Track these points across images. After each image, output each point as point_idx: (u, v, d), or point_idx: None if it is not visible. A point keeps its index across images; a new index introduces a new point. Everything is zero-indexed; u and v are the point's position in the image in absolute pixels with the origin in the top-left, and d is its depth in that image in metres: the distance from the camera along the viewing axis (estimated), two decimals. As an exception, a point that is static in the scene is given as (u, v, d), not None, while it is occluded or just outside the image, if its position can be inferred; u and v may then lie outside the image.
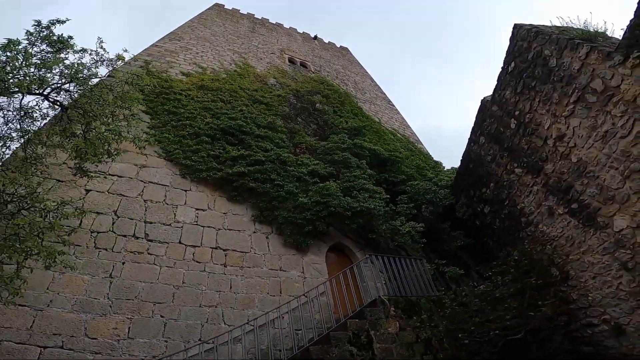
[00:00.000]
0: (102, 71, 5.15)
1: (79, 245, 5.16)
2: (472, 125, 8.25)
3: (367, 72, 19.39)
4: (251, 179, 7.30)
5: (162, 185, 6.72)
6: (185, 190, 6.89)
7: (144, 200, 6.31)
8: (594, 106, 4.45)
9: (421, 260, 6.49)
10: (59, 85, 4.50)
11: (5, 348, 3.94)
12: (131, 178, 6.51)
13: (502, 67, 7.07)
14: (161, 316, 4.94)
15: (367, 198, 7.58)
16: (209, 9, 16.74)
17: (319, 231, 7.04)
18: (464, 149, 8.28)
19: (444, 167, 11.24)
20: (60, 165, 6.01)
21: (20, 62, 4.12)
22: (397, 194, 8.77)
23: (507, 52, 6.91)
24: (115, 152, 4.90)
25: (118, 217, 5.84)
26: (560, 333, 5.18)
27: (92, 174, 5.47)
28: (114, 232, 5.59)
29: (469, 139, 8.42)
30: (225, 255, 6.24)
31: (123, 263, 5.28)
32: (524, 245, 5.85)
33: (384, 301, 5.30)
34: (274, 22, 19.27)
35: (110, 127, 4.74)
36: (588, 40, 4.71)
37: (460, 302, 5.20)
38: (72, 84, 4.53)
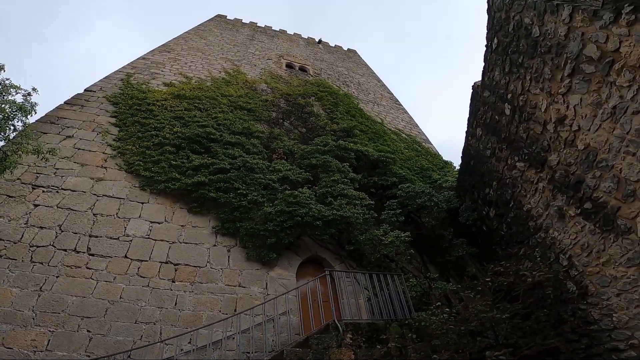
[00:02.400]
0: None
1: (14, 259, 5.53)
2: (468, 116, 8.08)
3: (373, 73, 20.11)
4: (212, 188, 7.54)
5: (117, 198, 7.14)
6: (142, 203, 7.24)
7: (94, 214, 6.70)
8: (593, 78, 4.06)
9: (399, 275, 6.14)
10: None
11: None
12: (84, 192, 7.00)
13: (485, 46, 7.01)
14: (87, 331, 5.03)
15: (344, 205, 7.49)
16: (209, 20, 18.67)
17: (284, 243, 6.99)
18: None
19: (454, 168, 10.93)
20: (14, 180, 6.66)
21: None
22: (389, 198, 8.59)
23: (487, 27, 6.88)
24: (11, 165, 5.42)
25: (62, 231, 6.23)
26: (579, 358, 4.63)
27: (43, 188, 5.99)
28: (54, 247, 5.94)
29: (466, 132, 8.24)
30: (176, 270, 6.33)
31: (57, 277, 5.54)
32: (534, 254, 5.38)
33: (337, 326, 4.86)
34: (277, 29, 20.92)
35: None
36: (568, 0, 4.56)
37: (443, 323, 4.65)
38: None
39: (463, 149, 8.33)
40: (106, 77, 10.37)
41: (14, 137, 5.87)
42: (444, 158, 12.35)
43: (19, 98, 5.88)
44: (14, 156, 5.61)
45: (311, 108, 11.94)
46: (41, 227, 6.16)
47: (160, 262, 6.37)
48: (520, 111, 5.73)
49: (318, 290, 6.23)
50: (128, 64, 11.57)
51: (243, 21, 20.35)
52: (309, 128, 11.06)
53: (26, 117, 5.96)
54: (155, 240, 6.69)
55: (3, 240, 5.75)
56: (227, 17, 20.03)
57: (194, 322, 5.64)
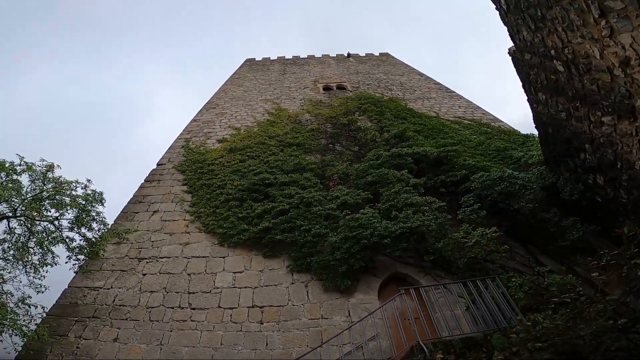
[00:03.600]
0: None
1: (136, 320, 7.09)
2: (521, 85, 8.00)
3: (414, 69, 20.41)
4: (278, 231, 8.58)
5: (202, 257, 8.59)
6: (223, 257, 8.57)
7: (188, 274, 8.18)
8: (629, 12, 3.83)
9: (493, 278, 6.07)
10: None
11: None
12: (177, 257, 8.60)
13: (495, 8, 7.05)
14: (200, 377, 6.16)
15: (411, 215, 7.71)
16: (240, 66, 21.14)
17: (356, 269, 7.50)
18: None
19: (537, 140, 10.34)
20: (123, 257, 8.55)
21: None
22: (464, 194, 8.49)
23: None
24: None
25: (167, 292, 7.75)
26: None
27: (146, 260, 7.73)
28: (164, 306, 7.43)
29: (527, 100, 8.05)
30: (262, 312, 7.30)
31: (170, 331, 6.90)
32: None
33: (422, 348, 4.80)
34: (305, 56, 22.66)
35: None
36: None
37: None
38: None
39: (534, 119, 8.07)
40: (170, 147, 12.71)
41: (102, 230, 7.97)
42: (521, 132, 11.82)
43: (79, 191, 7.79)
44: (101, 243, 7.58)
45: (357, 124, 12.59)
46: (152, 292, 7.76)
47: (247, 307, 7.42)
48: (574, 64, 5.51)
49: (408, 309, 6.07)
50: (184, 130, 14.03)
51: (271, 58, 22.56)
52: (360, 145, 11.60)
53: (102, 205, 7.84)
54: (240, 288, 7.83)
55: (126, 305, 7.41)
56: (256, 59, 22.45)
57: (286, 358, 6.41)
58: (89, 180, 7.98)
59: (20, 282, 6.78)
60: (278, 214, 8.89)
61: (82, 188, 7.86)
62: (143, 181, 11.09)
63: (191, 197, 10.27)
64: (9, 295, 6.30)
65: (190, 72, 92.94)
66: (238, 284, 7.93)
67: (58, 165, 7.75)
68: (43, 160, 7.59)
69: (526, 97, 7.96)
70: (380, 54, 23.45)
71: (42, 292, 6.88)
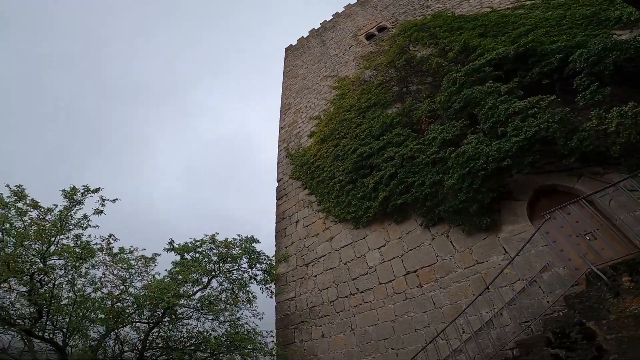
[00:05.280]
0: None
1: (328, 315, 8.85)
2: None
3: None
4: (395, 196, 8.76)
5: (347, 245, 9.69)
6: (364, 238, 9.45)
7: (344, 264, 9.45)
8: None
9: None
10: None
11: None
12: (330, 252, 9.99)
13: None
14: (392, 349, 7.31)
15: (520, 124, 6.78)
16: (285, 58, 21.12)
17: (488, 203, 7.05)
18: None
19: None
20: (295, 268, 10.53)
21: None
22: (571, 78, 6.99)
23: None
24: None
25: (337, 284, 9.23)
26: None
27: (311, 264, 9.45)
28: (340, 297, 8.94)
29: None
30: (417, 277, 7.87)
31: (354, 316, 8.34)
32: None
33: (599, 274, 4.36)
34: (331, 17, 21.08)
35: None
36: None
37: None
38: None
39: None
40: (278, 162, 14.27)
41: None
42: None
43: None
44: (274, 268, 9.65)
45: (416, 58, 11.40)
46: (326, 288, 9.41)
47: (402, 275, 8.12)
48: None
49: (571, 224, 5.37)
50: (279, 140, 15.30)
51: (304, 36, 21.50)
52: (431, 75, 10.49)
53: (258, 242, 9.94)
54: (389, 260, 8.56)
55: (316, 306, 9.29)
56: (292, 45, 21.83)
57: (457, 312, 6.81)
58: (239, 236, 10.16)
59: (246, 316, 9.43)
60: (388, 180, 9.02)
61: (238, 240, 10.03)
62: (276, 200, 12.96)
63: (314, 197, 11.43)
64: (244, 328, 8.89)
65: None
66: (386, 258, 8.67)
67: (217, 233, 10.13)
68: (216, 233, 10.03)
69: None
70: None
71: (261, 319, 9.40)
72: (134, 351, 8.08)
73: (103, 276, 9.29)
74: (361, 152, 10.20)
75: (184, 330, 8.53)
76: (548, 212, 5.55)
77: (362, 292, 8.59)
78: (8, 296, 8.16)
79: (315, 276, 9.88)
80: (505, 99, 7.34)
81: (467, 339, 6.29)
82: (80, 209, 8.19)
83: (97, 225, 8.49)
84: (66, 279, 8.30)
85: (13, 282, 7.78)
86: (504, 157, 6.68)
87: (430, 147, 8.50)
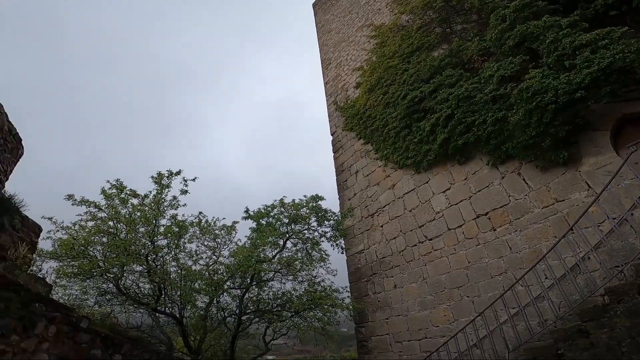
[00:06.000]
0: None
1: (398, 265, 8.94)
2: None
3: None
4: (455, 136, 7.94)
5: (410, 191, 9.30)
6: (426, 182, 8.94)
7: (409, 211, 9.17)
8: None
9: None
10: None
11: (399, 346, 8.16)
12: (393, 200, 9.74)
13: None
14: (467, 297, 7.16)
15: (590, 56, 5.62)
16: (315, 15, 19.22)
17: (562, 136, 6.05)
18: None
19: None
20: (361, 220, 10.60)
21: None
22: None
23: None
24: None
25: (404, 233, 9.12)
26: None
27: (376, 214, 9.46)
28: (409, 246, 8.86)
29: None
30: (489, 219, 7.29)
31: (425, 265, 8.27)
32: None
33: None
34: None
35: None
36: None
37: None
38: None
39: None
40: (329, 115, 13.77)
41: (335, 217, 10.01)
42: None
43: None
44: (341, 222, 9.64)
45: None
46: (394, 238, 9.38)
47: (472, 219, 7.59)
48: None
49: None
50: (326, 94, 14.59)
51: None
52: (476, 12, 8.80)
53: (323, 199, 9.79)
54: (456, 204, 8.03)
55: (386, 257, 9.42)
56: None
57: (537, 256, 6.19)
58: (305, 196, 10.45)
59: (321, 273, 10.06)
60: (446, 122, 8.17)
61: (305, 200, 10.30)
62: (333, 153, 12.77)
63: (371, 146, 10.97)
64: (322, 286, 9.56)
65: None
66: (452, 201, 8.14)
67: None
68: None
69: None
70: None
71: (335, 275, 9.94)
72: (232, 316, 9.32)
73: (197, 249, 10.48)
74: (412, 96, 9.31)
75: (270, 293, 9.46)
76: (633, 144, 4.70)
77: (430, 239, 8.36)
78: (131, 277, 9.77)
79: (382, 226, 9.86)
80: (568, 32, 6.04)
81: (549, 286, 5.78)
82: (169, 191, 8.94)
83: (185, 204, 9.21)
84: (170, 255, 9.55)
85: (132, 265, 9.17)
86: (576, 89, 5.60)
87: (488, 85, 7.39)
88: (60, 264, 8.01)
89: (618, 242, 5.20)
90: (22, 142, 6.50)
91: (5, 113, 5.91)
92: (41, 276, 7.16)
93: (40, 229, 6.50)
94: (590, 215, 5.36)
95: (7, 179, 6.28)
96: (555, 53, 6.04)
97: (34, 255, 6.67)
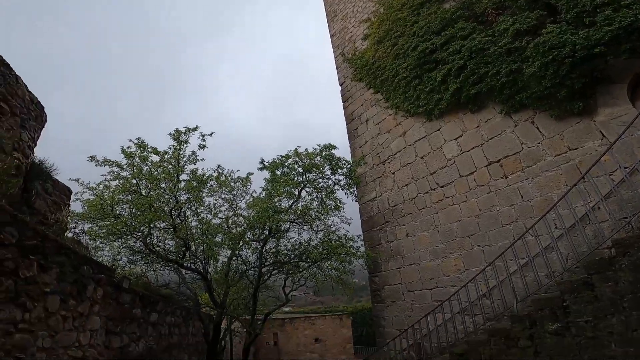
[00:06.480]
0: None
1: (410, 213, 9.20)
2: None
3: None
4: (468, 86, 7.73)
5: (422, 138, 9.23)
6: (438, 130, 8.83)
7: (421, 158, 9.19)
8: None
9: None
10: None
11: (412, 295, 8.68)
12: (404, 148, 9.71)
13: None
14: (478, 246, 7.41)
15: (612, 14, 5.32)
16: None
17: (578, 88, 5.84)
18: None
19: None
20: (372, 167, 10.69)
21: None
22: None
23: None
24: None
25: (416, 180, 9.23)
26: None
27: (387, 161, 9.57)
28: (420, 193, 9.03)
29: None
30: (501, 167, 7.29)
31: (436, 213, 8.49)
32: None
33: None
34: None
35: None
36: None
37: None
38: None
39: None
40: (337, 67, 13.31)
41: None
42: None
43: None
44: (353, 170, 10.06)
45: None
46: (406, 185, 9.52)
47: (484, 166, 7.60)
48: None
49: None
50: (333, 46, 14.01)
51: None
52: None
53: (335, 148, 9.75)
54: (468, 151, 7.99)
55: (397, 204, 9.66)
56: None
57: (548, 205, 6.23)
58: (318, 145, 10.52)
59: (336, 222, 10.41)
60: (458, 72, 7.90)
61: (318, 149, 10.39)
62: (342, 102, 12.45)
63: (381, 95, 10.69)
64: (337, 235, 9.97)
65: None
66: (465, 148, 8.09)
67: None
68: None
69: None
70: None
71: (349, 224, 10.31)
72: (252, 269, 9.93)
73: (215, 202, 10.77)
74: (423, 48, 8.92)
75: (288, 243, 9.97)
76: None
77: (442, 186, 8.48)
78: (156, 235, 10.26)
79: (393, 173, 9.96)
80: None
81: (559, 236, 5.84)
82: (187, 146, 9.08)
83: (203, 159, 9.36)
84: (191, 210, 9.93)
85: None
86: (595, 45, 5.35)
87: (502, 38, 7.05)
88: (91, 224, 8.45)
89: (628, 192, 5.20)
90: (45, 110, 6.62)
91: (25, 84, 5.98)
92: (77, 239, 7.72)
93: (70, 192, 6.69)
94: (602, 165, 5.31)
95: (35, 145, 6.49)
96: (574, 10, 5.75)
97: (68, 218, 7.12)
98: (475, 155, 7.82)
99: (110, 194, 8.50)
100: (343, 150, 11.45)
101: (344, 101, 12.47)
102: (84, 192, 8.51)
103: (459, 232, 7.89)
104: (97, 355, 4.33)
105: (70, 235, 7.64)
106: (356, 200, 10.88)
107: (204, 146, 9.13)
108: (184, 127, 9.03)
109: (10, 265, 2.76)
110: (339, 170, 10.55)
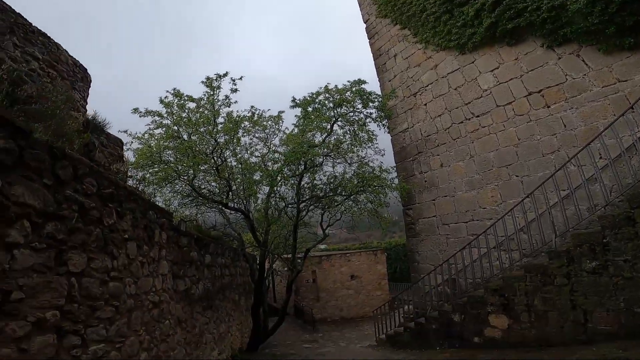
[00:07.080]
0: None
1: (444, 143, 9.44)
2: None
3: None
4: (505, 21, 7.55)
5: (455, 70, 9.17)
6: (472, 62, 8.73)
7: (454, 89, 9.18)
8: None
9: None
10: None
11: (446, 228, 9.16)
12: (437, 80, 9.63)
13: None
14: (516, 176, 7.69)
15: None
16: None
17: (629, 25, 5.71)
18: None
19: None
20: (403, 99, 10.67)
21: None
22: None
23: None
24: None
25: (449, 111, 9.32)
26: None
27: (418, 93, 9.67)
28: (455, 123, 9.18)
29: None
30: (542, 97, 7.35)
31: (472, 142, 8.73)
32: None
33: None
34: None
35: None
36: None
37: None
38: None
39: None
40: (359, 4, 12.52)
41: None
42: None
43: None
44: (384, 103, 10.16)
45: None
46: (439, 116, 9.64)
47: (523, 96, 7.66)
48: None
49: None
50: None
51: None
52: None
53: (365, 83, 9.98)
54: (505, 82, 7.99)
55: (430, 134, 9.85)
56: None
57: (592, 135, 6.14)
58: (348, 81, 10.44)
59: (369, 155, 10.66)
60: (492, 7, 7.66)
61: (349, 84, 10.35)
62: (368, 39, 11.99)
63: (408, 30, 10.29)
64: (369, 166, 10.29)
65: None
66: (502, 79, 8.06)
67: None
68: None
69: None
70: None
71: (383, 155, 10.62)
72: (290, 205, 10.15)
73: (251, 141, 10.89)
74: None
75: (323, 177, 10.38)
76: None
77: (478, 116, 8.59)
78: (200, 177, 10.71)
79: (425, 104, 10.01)
80: None
81: (603, 167, 5.70)
82: (219, 91, 9.37)
83: (236, 101, 9.66)
84: (229, 150, 9.79)
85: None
86: None
87: None
88: (143, 172, 9.05)
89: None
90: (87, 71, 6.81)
91: (65, 50, 6.10)
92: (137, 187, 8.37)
93: (122, 143, 7.16)
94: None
95: (87, 104, 6.82)
96: None
97: (123, 168, 7.67)
98: (514, 86, 7.81)
99: (156, 141, 8.99)
100: (373, 86, 11.33)
101: (369, 38, 12.01)
102: (132, 142, 9.03)
103: (495, 161, 8.17)
104: (169, 299, 4.36)
105: (130, 183, 8.31)
106: (388, 132, 11.07)
107: (236, 90, 9.38)
108: (215, 74, 9.28)
109: (96, 214, 2.75)
110: (370, 104, 10.61)
